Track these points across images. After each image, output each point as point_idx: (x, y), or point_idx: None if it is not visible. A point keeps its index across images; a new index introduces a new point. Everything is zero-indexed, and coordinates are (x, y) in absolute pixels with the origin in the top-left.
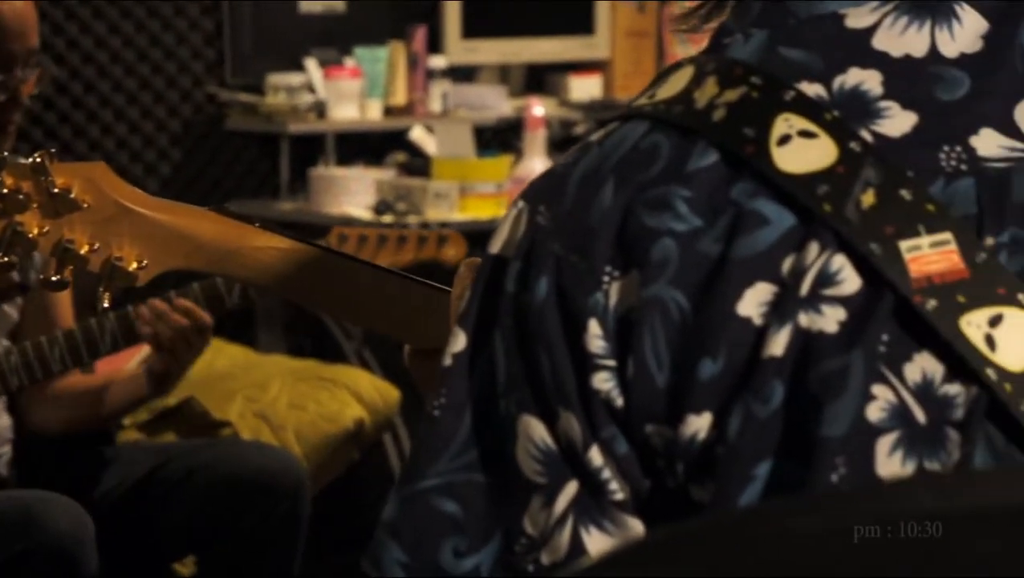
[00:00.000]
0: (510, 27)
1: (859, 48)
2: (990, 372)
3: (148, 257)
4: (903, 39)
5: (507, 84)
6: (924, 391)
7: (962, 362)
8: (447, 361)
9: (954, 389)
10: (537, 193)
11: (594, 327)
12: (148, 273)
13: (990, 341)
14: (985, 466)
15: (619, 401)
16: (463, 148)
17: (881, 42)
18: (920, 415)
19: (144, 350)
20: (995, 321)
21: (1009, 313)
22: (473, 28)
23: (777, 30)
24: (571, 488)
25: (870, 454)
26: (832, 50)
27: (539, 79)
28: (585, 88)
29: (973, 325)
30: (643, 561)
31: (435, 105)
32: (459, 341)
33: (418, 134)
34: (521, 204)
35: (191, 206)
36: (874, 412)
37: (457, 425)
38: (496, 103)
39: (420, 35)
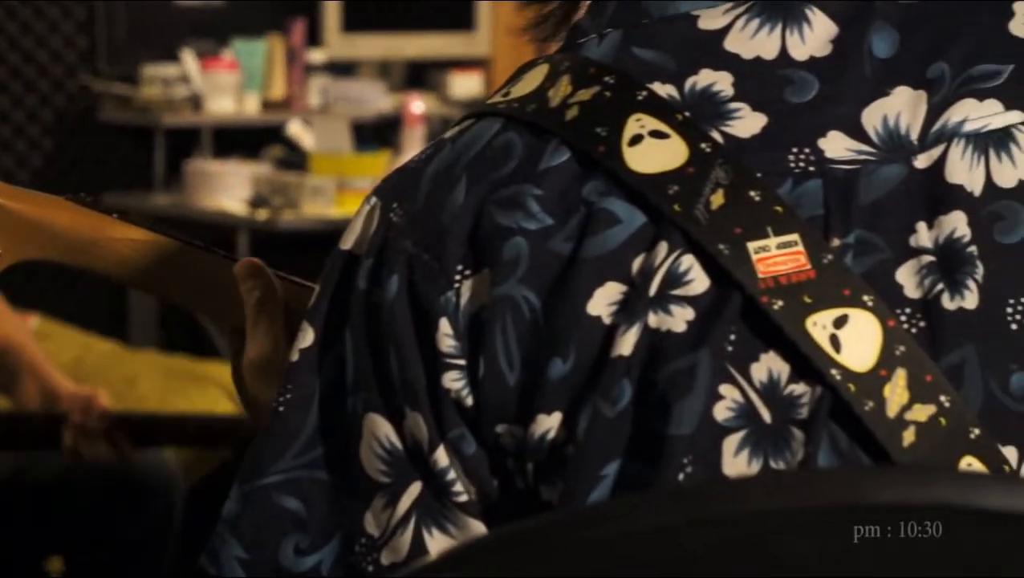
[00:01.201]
0: (391, 22)
1: (711, 50)
2: (834, 372)
3: (1, 247)
4: (754, 41)
5: (387, 80)
6: (770, 391)
7: (807, 362)
8: (294, 356)
9: (799, 389)
10: (390, 190)
11: (445, 326)
12: (1, 263)
13: (835, 342)
14: (828, 465)
15: (469, 400)
16: (341, 143)
17: (733, 44)
18: (766, 414)
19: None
20: (840, 322)
21: (854, 314)
22: (353, 22)
23: (631, 30)
24: (415, 488)
25: (717, 453)
26: (685, 51)
27: (420, 75)
28: (466, 85)
29: (818, 326)
30: (475, 562)
31: (313, 99)
32: (307, 337)
33: (295, 129)
34: (374, 200)
35: (48, 195)
36: (721, 411)
37: (302, 422)
38: (375, 99)
39: (299, 28)
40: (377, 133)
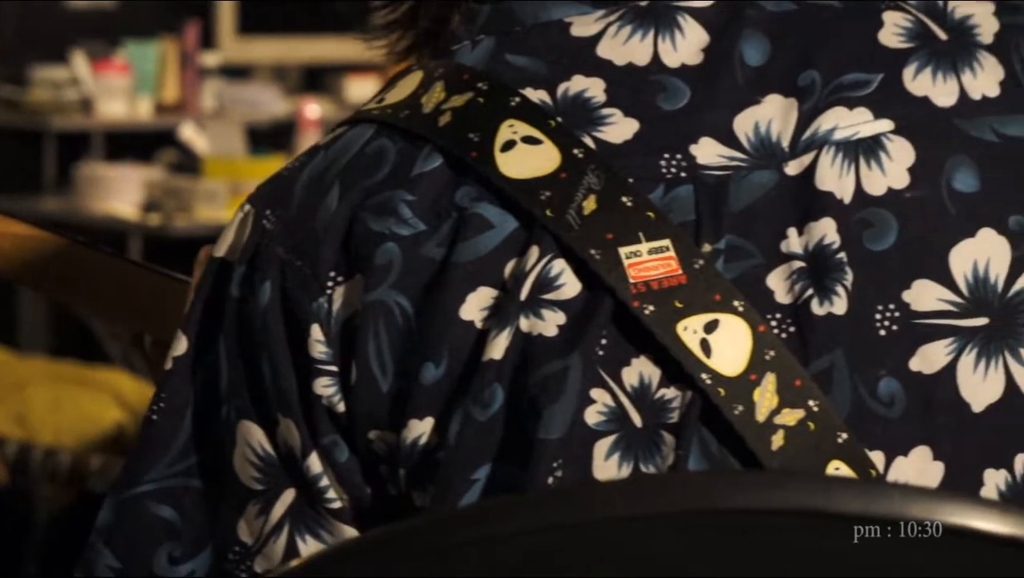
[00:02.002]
0: (287, 25)
1: (583, 56)
2: (705, 376)
3: None
4: (627, 48)
5: (283, 83)
6: (641, 395)
7: (678, 367)
8: (168, 364)
9: (670, 393)
10: (263, 197)
11: (316, 332)
12: None
13: (705, 346)
14: (698, 469)
15: (341, 407)
16: (235, 147)
17: (605, 50)
18: (637, 418)
19: None
20: (711, 327)
21: (724, 319)
22: (248, 25)
23: (504, 37)
24: (288, 496)
25: (588, 457)
26: (557, 57)
27: (316, 79)
28: (363, 89)
29: (689, 330)
30: (331, 569)
31: (207, 103)
32: (181, 345)
33: (189, 132)
34: (247, 208)
35: None
36: (592, 415)
37: (176, 430)
38: (270, 102)
39: (193, 31)
40: (272, 137)
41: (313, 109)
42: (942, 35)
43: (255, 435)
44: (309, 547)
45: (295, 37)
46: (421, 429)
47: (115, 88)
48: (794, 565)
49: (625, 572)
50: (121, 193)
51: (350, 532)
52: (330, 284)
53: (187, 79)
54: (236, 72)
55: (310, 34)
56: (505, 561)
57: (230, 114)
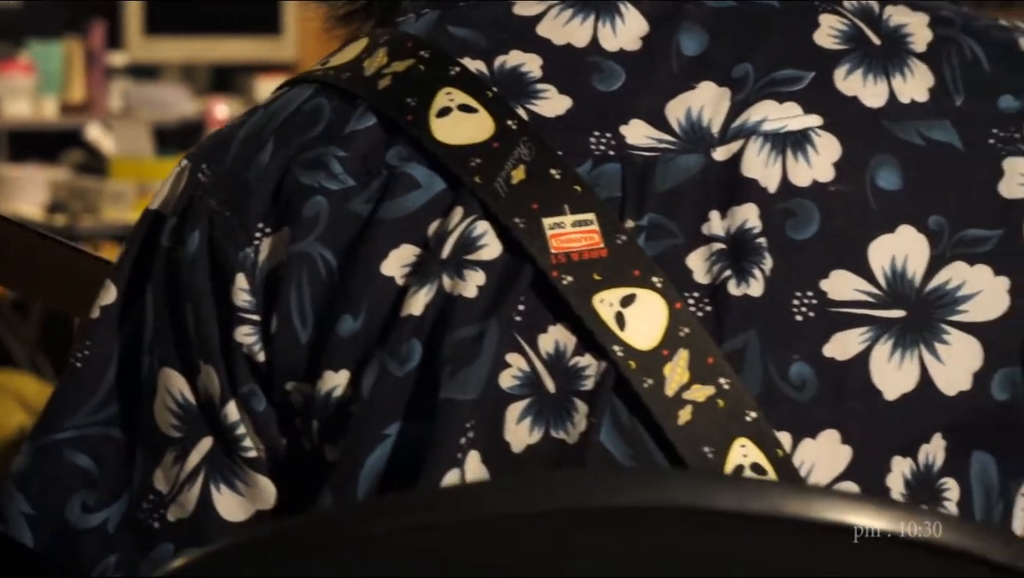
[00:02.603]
0: (195, 25)
1: (523, 33)
2: (617, 349)
3: None
4: (567, 29)
5: (191, 83)
6: (556, 362)
7: (592, 337)
8: (95, 313)
9: (584, 361)
10: (201, 152)
11: (241, 281)
12: None
13: (620, 319)
14: (609, 438)
15: (261, 356)
16: (142, 147)
17: (545, 30)
18: (550, 384)
19: None
20: (627, 301)
21: (642, 294)
22: (155, 25)
23: (448, 11)
24: (205, 444)
25: (500, 419)
26: (497, 32)
27: (225, 79)
28: (272, 89)
29: (606, 303)
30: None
31: (114, 103)
32: (109, 294)
33: (95, 133)
34: (184, 163)
35: None
36: (506, 379)
37: (99, 378)
38: (178, 103)
39: (99, 30)
40: (180, 137)
41: (222, 109)
42: (876, 40)
43: (176, 383)
44: (223, 497)
45: (204, 37)
46: (336, 381)
47: (19, 88)
48: (672, 563)
49: (504, 571)
50: (26, 194)
51: (265, 482)
52: (258, 235)
53: (93, 79)
54: (144, 72)
55: (219, 34)
56: (385, 559)
57: (137, 114)
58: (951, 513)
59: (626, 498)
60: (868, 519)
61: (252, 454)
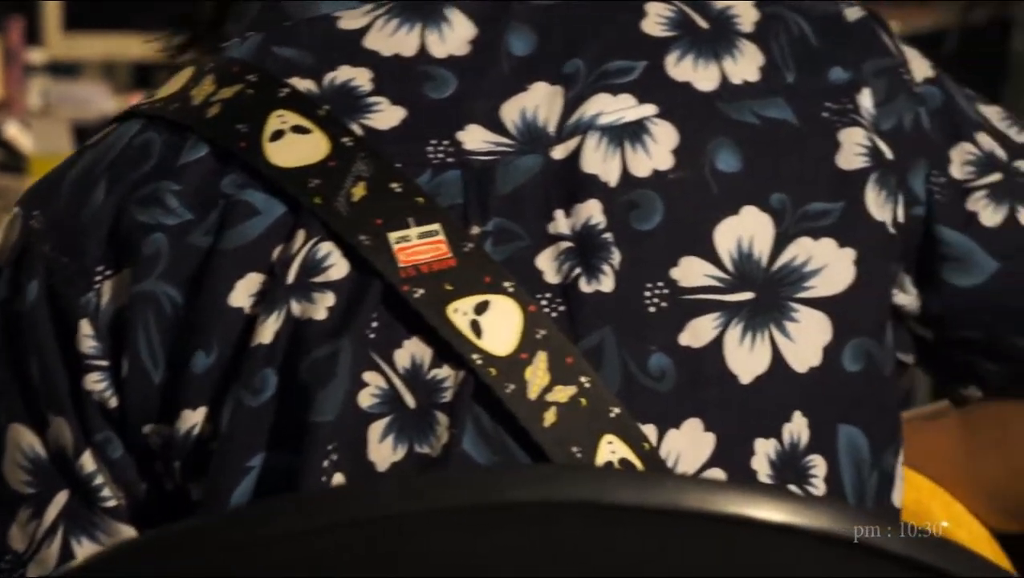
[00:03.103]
0: (115, 22)
1: (351, 47)
2: (475, 357)
3: None
4: (394, 39)
5: (112, 81)
6: (414, 376)
7: (449, 347)
8: None
9: (442, 373)
10: (31, 198)
11: (85, 327)
12: None
13: (476, 327)
14: (473, 447)
15: (113, 402)
16: (62, 146)
17: (372, 42)
18: (410, 399)
19: None
20: (481, 308)
21: (495, 300)
22: (75, 21)
23: (272, 32)
24: (62, 497)
25: (362, 439)
26: (324, 49)
27: (147, 76)
28: None
29: (460, 312)
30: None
31: (33, 101)
32: None
33: (13, 131)
34: (16, 210)
35: None
36: (365, 398)
37: None
38: (99, 100)
39: (17, 27)
40: None
41: None
42: (703, 24)
43: (25, 438)
44: (84, 549)
45: (124, 34)
46: (194, 419)
47: None
48: (572, 558)
49: (404, 570)
50: None
51: (127, 531)
52: (98, 278)
53: (11, 77)
54: (63, 69)
55: (140, 31)
56: (281, 561)
57: (57, 112)
58: (818, 492)
59: (526, 494)
60: (766, 511)
61: (112, 503)
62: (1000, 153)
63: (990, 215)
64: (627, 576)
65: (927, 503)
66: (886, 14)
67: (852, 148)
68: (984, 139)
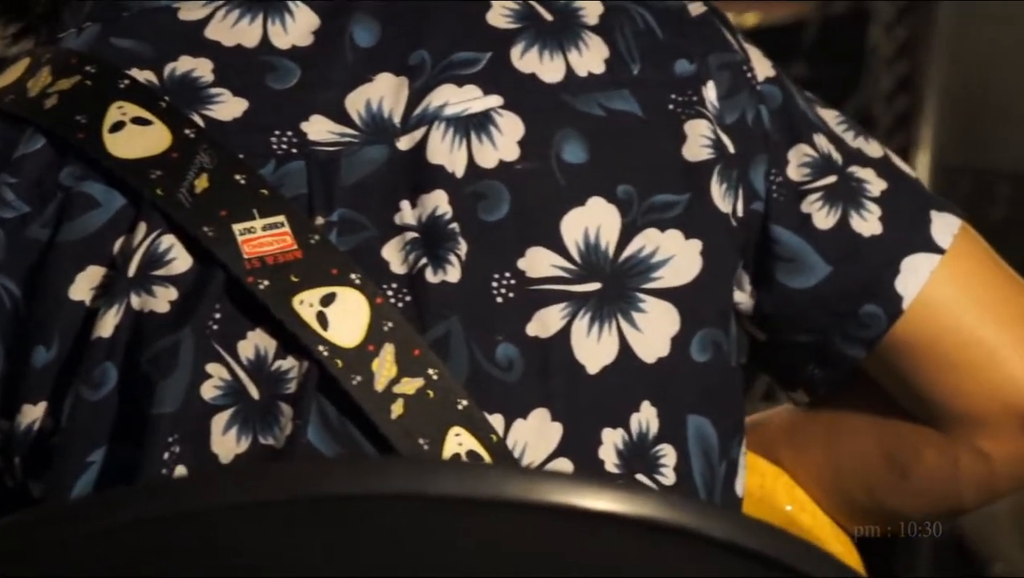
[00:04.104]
0: None
1: (191, 38)
2: (322, 349)
3: None
4: (235, 30)
5: None
6: (257, 367)
7: (295, 339)
8: None
9: (287, 364)
10: None
11: None
12: None
13: (322, 319)
14: (318, 439)
15: None
16: None
17: (213, 33)
18: (254, 391)
19: None
20: (327, 300)
21: (342, 292)
22: None
23: (110, 23)
24: None
25: (205, 432)
26: (164, 40)
27: None
28: None
29: (306, 304)
30: None
31: None
32: None
33: None
34: None
35: None
36: (208, 390)
37: None
38: None
39: None
40: None
41: None
42: (548, 16)
43: None
44: None
45: None
46: (34, 414)
47: None
48: (398, 550)
49: (226, 564)
50: None
51: None
52: None
53: None
54: None
55: None
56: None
57: None
58: (668, 481)
59: (349, 487)
60: (589, 499)
61: None
62: (836, 156)
63: (823, 218)
64: (456, 567)
65: (771, 487)
66: (747, 6)
67: (697, 140)
68: (821, 142)
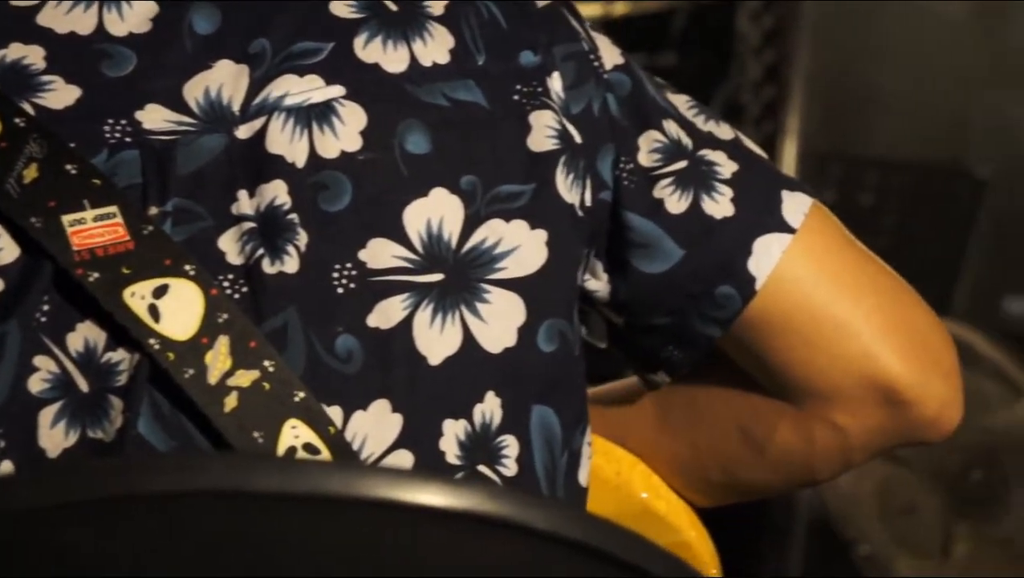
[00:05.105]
0: None
1: (22, 24)
2: (153, 341)
3: None
4: (69, 17)
5: None
6: (87, 360)
7: (125, 332)
8: None
9: (117, 357)
10: None
11: None
12: None
13: (154, 311)
14: (150, 431)
15: None
16: None
17: (46, 19)
18: (83, 384)
19: None
20: (160, 292)
21: (175, 284)
22: None
23: None
24: None
25: (32, 425)
26: None
27: None
28: None
29: (137, 296)
30: None
31: None
32: None
33: None
34: None
35: None
36: (36, 383)
37: None
38: None
39: None
40: None
41: None
42: (393, 6)
43: None
44: None
45: None
46: None
47: None
48: (218, 548)
49: (48, 564)
50: None
51: None
52: None
53: None
54: None
55: None
56: None
57: None
58: (510, 472)
59: (165, 484)
60: (412, 494)
61: None
62: (686, 141)
63: (675, 202)
64: (278, 563)
65: (627, 475)
66: None
67: (542, 130)
68: (671, 127)
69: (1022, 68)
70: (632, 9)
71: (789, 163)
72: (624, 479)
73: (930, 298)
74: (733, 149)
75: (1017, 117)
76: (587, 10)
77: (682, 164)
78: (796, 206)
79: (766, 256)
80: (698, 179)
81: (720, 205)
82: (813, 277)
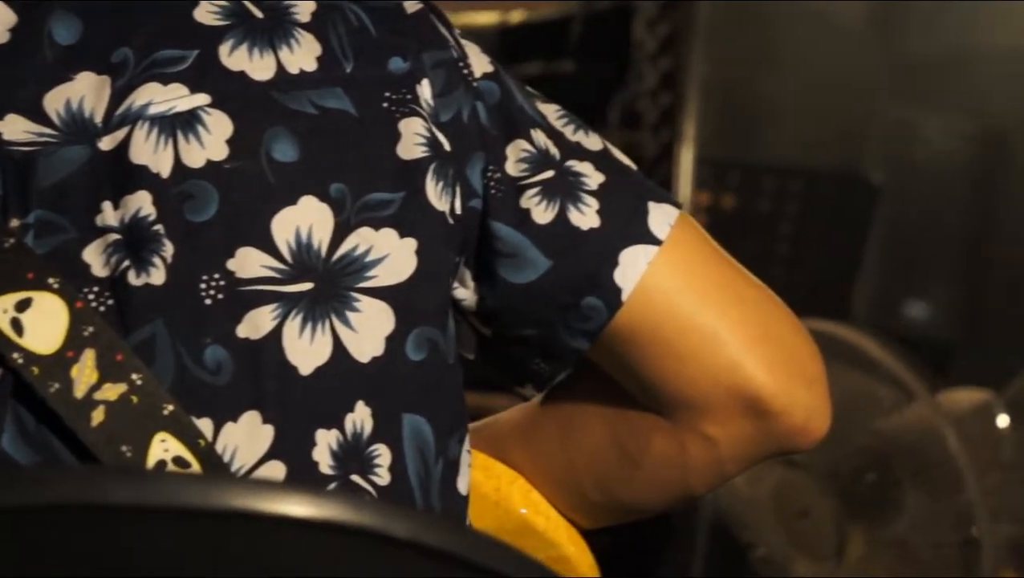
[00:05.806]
0: None
1: None
2: (16, 356)
3: None
4: None
5: None
6: None
7: None
8: None
9: None
10: None
11: None
12: None
13: (17, 325)
14: (14, 448)
15: None
16: None
17: None
18: None
19: None
20: (23, 305)
21: (39, 297)
22: None
23: None
24: None
25: None
26: None
27: None
28: None
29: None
30: None
31: None
32: None
33: None
34: None
35: None
36: None
37: None
38: None
39: None
40: None
41: None
42: (258, 14)
43: None
44: None
45: None
46: None
47: None
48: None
49: None
50: None
51: None
52: None
53: None
54: None
55: None
56: None
57: None
58: (383, 481)
59: (14, 498)
60: (266, 503)
61: None
62: (554, 151)
63: (542, 213)
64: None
65: (507, 491)
66: (512, 4)
67: (412, 138)
68: (539, 136)
69: (916, 75)
70: (529, 16)
71: (686, 170)
72: (503, 495)
73: (829, 303)
74: (600, 160)
75: (911, 124)
76: (484, 18)
77: (549, 174)
78: (663, 217)
79: (632, 267)
80: (565, 190)
81: (586, 216)
82: (679, 288)
